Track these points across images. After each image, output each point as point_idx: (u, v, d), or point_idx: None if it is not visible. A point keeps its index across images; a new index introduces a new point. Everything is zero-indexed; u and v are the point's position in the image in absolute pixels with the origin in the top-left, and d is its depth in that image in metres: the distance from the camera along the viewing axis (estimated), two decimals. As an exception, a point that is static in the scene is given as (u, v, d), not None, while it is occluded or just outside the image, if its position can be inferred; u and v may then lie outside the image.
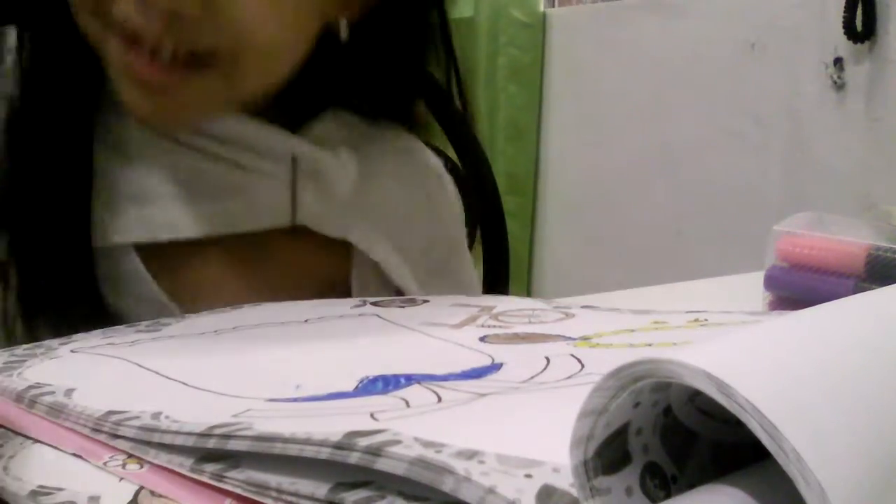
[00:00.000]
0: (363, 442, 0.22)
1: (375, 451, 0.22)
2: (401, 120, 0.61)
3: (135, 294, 0.53)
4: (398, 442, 0.22)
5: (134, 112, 0.50)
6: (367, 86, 0.58)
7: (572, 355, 0.33)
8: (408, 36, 0.58)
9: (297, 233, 0.55)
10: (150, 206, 0.52)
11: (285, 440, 0.24)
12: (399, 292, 0.59)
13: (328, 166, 0.55)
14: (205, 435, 0.26)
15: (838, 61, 1.38)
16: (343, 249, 0.58)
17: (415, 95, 0.62)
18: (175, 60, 0.47)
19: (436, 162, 0.64)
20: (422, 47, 0.59)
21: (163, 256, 0.53)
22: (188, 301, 0.52)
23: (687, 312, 0.41)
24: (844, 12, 1.32)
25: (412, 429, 0.23)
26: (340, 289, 0.57)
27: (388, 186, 0.59)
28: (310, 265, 0.57)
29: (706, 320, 0.39)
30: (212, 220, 0.53)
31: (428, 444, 0.22)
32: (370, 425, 0.24)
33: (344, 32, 0.53)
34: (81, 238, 0.50)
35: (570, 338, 0.37)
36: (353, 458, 0.22)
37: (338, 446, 0.23)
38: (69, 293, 0.51)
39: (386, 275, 0.59)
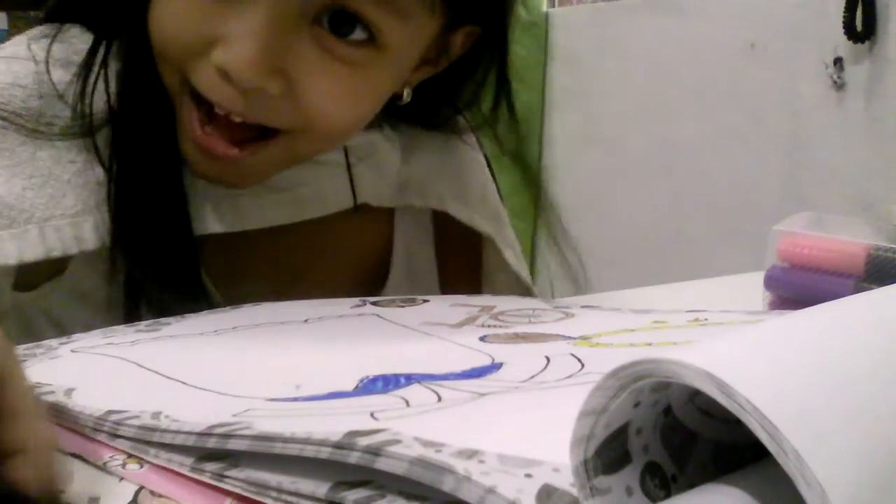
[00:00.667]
0: (363, 441, 0.22)
1: (375, 451, 0.22)
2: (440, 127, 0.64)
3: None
4: (398, 441, 0.22)
5: (196, 172, 0.52)
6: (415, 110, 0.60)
7: (572, 355, 0.33)
8: (463, 81, 0.60)
9: (353, 211, 0.59)
10: (236, 199, 0.54)
11: (285, 440, 0.24)
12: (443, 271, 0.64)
13: (376, 146, 0.59)
14: (205, 434, 0.26)
15: (838, 61, 1.38)
16: (387, 218, 0.62)
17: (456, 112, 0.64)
18: (243, 130, 0.49)
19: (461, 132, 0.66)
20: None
21: (219, 251, 0.55)
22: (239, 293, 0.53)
23: (687, 312, 0.41)
24: (844, 12, 1.32)
25: (412, 428, 0.23)
26: (383, 254, 0.62)
27: (428, 152, 0.62)
28: (360, 239, 0.61)
29: (706, 320, 0.39)
30: (286, 210, 0.56)
31: (428, 444, 0.22)
32: (370, 425, 0.24)
33: (407, 96, 0.56)
34: (184, 227, 0.53)
35: (569, 337, 0.37)
36: (354, 457, 0.22)
37: (338, 446, 0.23)
38: (175, 279, 0.53)
39: (423, 245, 0.63)
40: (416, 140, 0.62)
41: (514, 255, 0.64)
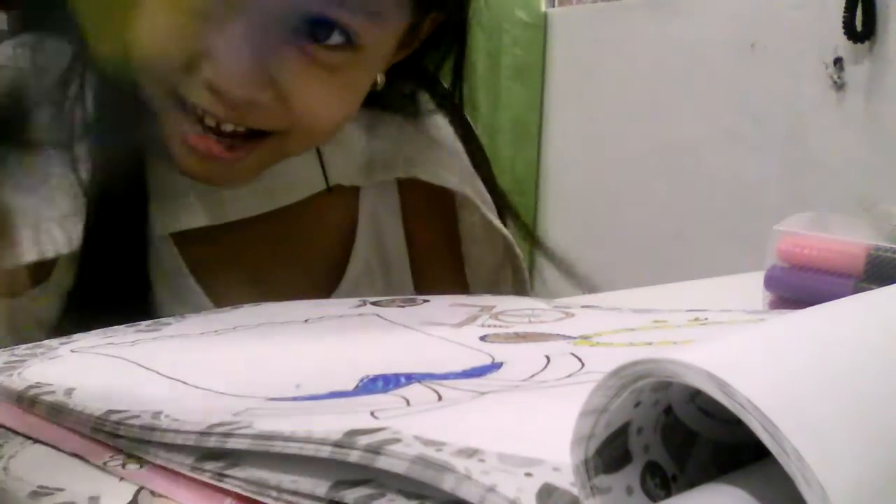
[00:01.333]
0: (363, 440, 0.22)
1: (375, 450, 0.22)
2: (403, 109, 0.65)
3: (171, 286, 0.56)
4: (398, 440, 0.22)
5: (186, 172, 0.53)
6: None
7: (572, 354, 0.33)
8: (424, 59, 0.62)
9: (320, 193, 0.61)
10: (216, 193, 0.56)
11: (286, 438, 0.24)
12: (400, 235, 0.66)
13: (344, 131, 0.60)
14: (205, 433, 0.26)
15: (838, 61, 1.38)
16: (353, 195, 0.64)
17: (418, 90, 0.66)
18: (235, 137, 0.50)
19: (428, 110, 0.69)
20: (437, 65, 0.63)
21: (198, 243, 0.57)
22: (220, 282, 0.56)
23: (687, 311, 0.41)
24: (844, 12, 1.32)
25: (412, 427, 0.23)
26: (349, 231, 0.64)
27: (391, 126, 0.64)
28: (328, 218, 0.63)
29: (706, 319, 0.39)
30: (257, 201, 0.58)
31: (428, 443, 0.22)
32: (370, 423, 0.24)
33: (381, 82, 0.57)
34: (138, 229, 0.54)
35: (570, 337, 0.37)
36: (354, 456, 0.22)
37: (338, 444, 0.23)
38: (123, 283, 0.54)
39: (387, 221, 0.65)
40: (377, 118, 0.64)
41: (490, 212, 0.65)
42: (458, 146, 0.68)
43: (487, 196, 0.66)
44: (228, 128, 0.50)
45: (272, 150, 0.53)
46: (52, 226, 0.51)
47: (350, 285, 0.63)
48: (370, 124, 0.64)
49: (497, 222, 0.65)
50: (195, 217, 0.56)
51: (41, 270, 0.55)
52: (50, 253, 0.51)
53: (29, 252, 0.50)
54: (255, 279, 0.55)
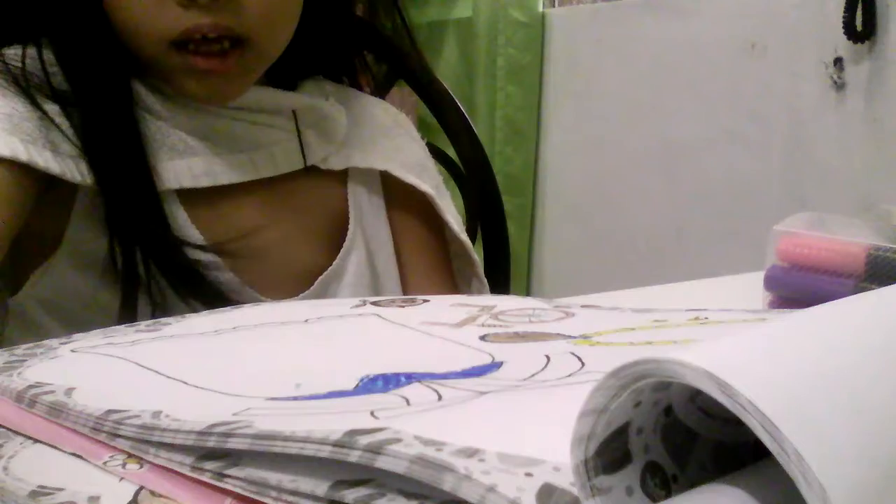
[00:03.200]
0: (363, 440, 0.22)
1: (376, 450, 0.22)
2: (349, 75, 0.77)
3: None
4: (398, 440, 0.22)
5: (195, 98, 0.63)
6: (322, 45, 0.73)
7: (572, 353, 0.33)
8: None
9: (310, 174, 0.69)
10: (189, 158, 0.63)
11: (286, 438, 0.24)
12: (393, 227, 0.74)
13: (323, 112, 0.69)
14: (205, 433, 0.26)
15: (838, 61, 1.38)
16: (342, 182, 0.72)
17: (359, 48, 0.78)
18: (222, 44, 0.60)
19: (396, 112, 0.78)
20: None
21: (199, 205, 0.64)
22: (222, 239, 0.64)
23: (687, 311, 0.41)
24: (844, 12, 1.32)
25: (412, 427, 0.23)
26: (341, 215, 0.71)
27: (370, 126, 0.74)
28: (319, 199, 0.71)
29: (706, 318, 0.39)
30: (242, 169, 0.66)
31: (428, 443, 0.22)
32: (370, 423, 0.24)
33: None
34: (147, 183, 0.61)
35: (570, 336, 0.37)
36: (354, 456, 0.22)
37: (338, 444, 0.23)
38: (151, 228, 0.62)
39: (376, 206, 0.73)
40: (359, 115, 0.73)
41: (454, 221, 0.73)
42: (431, 162, 0.76)
43: (456, 212, 0.74)
44: (213, 36, 0.59)
45: (252, 58, 0.62)
46: (68, 159, 0.59)
47: (342, 262, 0.70)
48: (351, 120, 0.72)
49: (456, 229, 0.73)
50: (183, 178, 0.63)
51: (36, 259, 0.62)
52: (68, 175, 0.58)
53: (55, 165, 0.57)
54: (251, 237, 0.64)
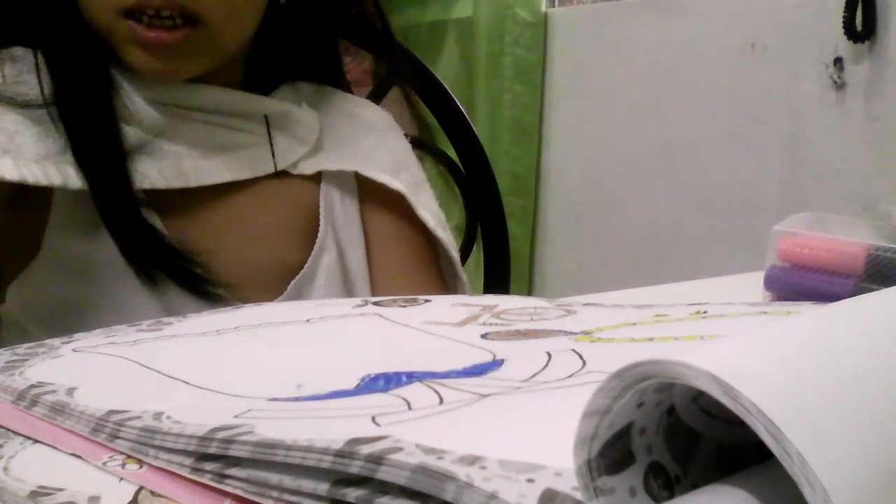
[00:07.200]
0: (365, 450, 0.22)
1: (377, 460, 0.22)
2: (332, 75, 0.77)
3: None
4: (400, 449, 0.22)
5: (143, 71, 0.62)
6: (300, 43, 0.73)
7: (573, 350, 0.33)
8: None
9: (282, 177, 0.69)
10: (161, 161, 0.63)
11: (287, 448, 0.24)
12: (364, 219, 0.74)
13: (293, 118, 0.70)
14: (206, 439, 0.26)
15: (838, 61, 1.38)
16: (316, 183, 0.72)
17: (337, 54, 0.78)
18: (174, 24, 0.60)
19: (377, 111, 0.78)
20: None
21: (171, 207, 0.64)
22: (194, 240, 0.63)
23: (688, 305, 0.41)
24: (844, 12, 1.32)
25: (414, 434, 0.23)
26: (314, 216, 0.71)
27: (347, 127, 0.74)
28: (292, 200, 0.70)
29: (706, 312, 0.39)
30: (213, 172, 0.65)
31: (430, 451, 0.22)
32: (372, 431, 0.24)
33: None
34: (124, 181, 0.61)
35: (571, 332, 0.37)
36: (355, 467, 0.22)
37: (340, 454, 0.23)
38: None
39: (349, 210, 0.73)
40: (334, 117, 0.73)
41: (431, 217, 0.72)
42: (411, 156, 0.76)
43: (437, 209, 0.74)
44: (165, 13, 0.59)
45: (206, 38, 0.61)
46: (48, 163, 0.59)
47: (313, 264, 0.69)
48: (324, 123, 0.72)
49: (432, 225, 0.72)
50: (155, 179, 0.63)
51: (18, 265, 0.62)
52: (51, 181, 0.58)
53: (34, 175, 0.57)
54: (221, 238, 0.65)
